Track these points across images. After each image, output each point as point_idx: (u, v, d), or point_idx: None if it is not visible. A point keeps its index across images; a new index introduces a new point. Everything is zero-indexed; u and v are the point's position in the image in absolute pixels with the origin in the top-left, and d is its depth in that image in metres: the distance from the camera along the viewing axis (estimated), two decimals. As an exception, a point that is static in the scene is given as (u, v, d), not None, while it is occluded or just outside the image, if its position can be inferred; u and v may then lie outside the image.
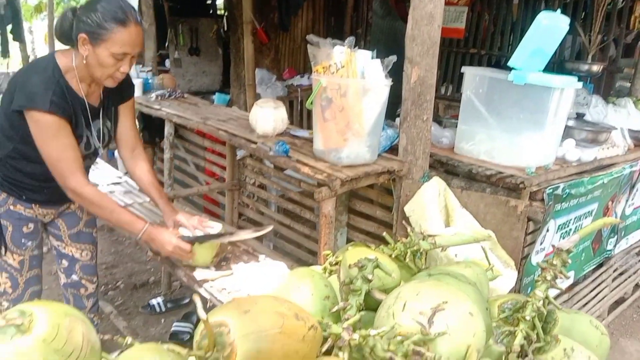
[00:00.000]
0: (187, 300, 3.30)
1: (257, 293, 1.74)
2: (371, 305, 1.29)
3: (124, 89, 2.00)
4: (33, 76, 1.73)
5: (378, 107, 2.15)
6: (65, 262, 2.15)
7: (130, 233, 1.96)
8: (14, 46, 7.50)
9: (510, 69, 2.30)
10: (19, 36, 7.31)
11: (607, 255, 2.99)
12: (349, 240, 2.85)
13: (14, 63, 8.62)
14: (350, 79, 2.09)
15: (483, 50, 5.33)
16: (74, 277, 2.16)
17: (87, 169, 2.01)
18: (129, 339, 0.96)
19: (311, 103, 2.21)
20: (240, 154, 3.51)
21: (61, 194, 1.85)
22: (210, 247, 2.02)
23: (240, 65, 5.48)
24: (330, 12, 6.64)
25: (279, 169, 3.47)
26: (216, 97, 5.73)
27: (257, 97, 5.45)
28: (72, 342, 0.81)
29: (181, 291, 3.45)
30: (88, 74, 1.79)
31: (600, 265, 3.06)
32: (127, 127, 2.08)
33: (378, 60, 2.14)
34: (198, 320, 2.70)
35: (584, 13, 5.01)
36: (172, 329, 2.95)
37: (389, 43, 5.14)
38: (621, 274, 3.38)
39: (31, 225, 1.97)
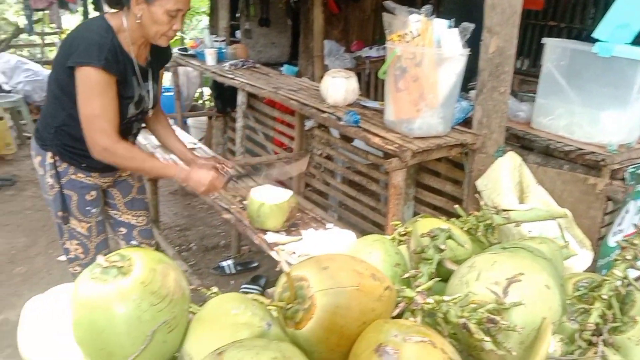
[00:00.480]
0: (255, 264, 3.42)
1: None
2: (441, 276, 1.30)
3: (166, 53, 2.05)
4: (87, 35, 1.76)
5: (453, 77, 2.11)
6: (123, 229, 2.23)
7: (168, 176, 1.99)
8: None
9: (593, 41, 2.19)
10: (99, 6, 7.65)
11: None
12: (416, 214, 2.84)
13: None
14: (425, 47, 2.06)
15: (563, 22, 5.06)
16: (133, 242, 2.24)
17: (136, 131, 2.07)
18: (214, 289, 1.02)
19: (384, 73, 2.20)
20: (308, 124, 3.55)
21: None
22: (280, 212, 2.08)
23: (309, 36, 5.49)
24: (402, -18, 6.49)
25: (346, 140, 3.49)
26: (285, 68, 5.77)
27: (325, 68, 5.46)
28: (166, 286, 0.87)
29: (250, 255, 3.58)
30: (139, 35, 1.82)
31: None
32: (157, 90, 2.10)
33: (455, 30, 2.09)
34: (266, 283, 2.81)
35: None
36: (241, 290, 3.08)
37: (462, 14, 4.97)
38: None
39: (93, 193, 2.02)
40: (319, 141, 3.54)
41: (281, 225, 2.10)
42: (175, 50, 4.34)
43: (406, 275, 1.28)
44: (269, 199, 2.09)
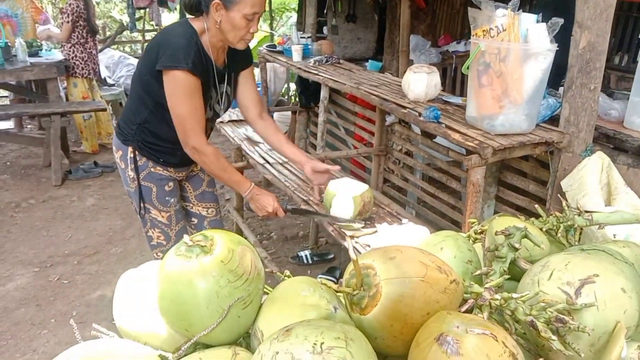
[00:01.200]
0: (331, 256, 3.49)
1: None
2: (515, 276, 1.28)
3: (245, 56, 2.11)
4: (174, 39, 1.84)
5: (540, 73, 2.05)
6: (195, 220, 2.34)
7: (237, 190, 2.09)
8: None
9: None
10: (164, 2, 8.04)
11: None
12: (496, 213, 2.78)
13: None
14: (510, 42, 2.01)
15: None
16: None
17: (209, 132, 2.15)
18: (287, 272, 1.09)
19: (467, 68, 2.17)
20: (389, 120, 3.56)
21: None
22: (352, 203, 2.12)
23: (395, 31, 5.47)
24: (493, -26, 6.28)
25: (427, 136, 3.46)
26: (369, 64, 5.79)
27: (410, 63, 5.42)
28: (243, 266, 0.94)
29: (326, 247, 3.65)
30: (218, 40, 1.90)
31: None
32: (250, 92, 2.18)
33: (543, 24, 2.02)
34: (341, 274, 2.87)
35: None
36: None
37: (557, 7, 4.75)
38: None
39: (171, 184, 2.13)
40: (399, 137, 3.54)
41: (353, 215, 2.14)
42: (263, 47, 4.50)
43: (477, 273, 1.28)
44: (343, 191, 2.14)
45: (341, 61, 3.82)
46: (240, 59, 2.09)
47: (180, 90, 1.83)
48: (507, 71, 2.03)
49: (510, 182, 2.73)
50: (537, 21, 2.06)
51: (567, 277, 1.07)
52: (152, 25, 8.08)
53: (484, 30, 2.08)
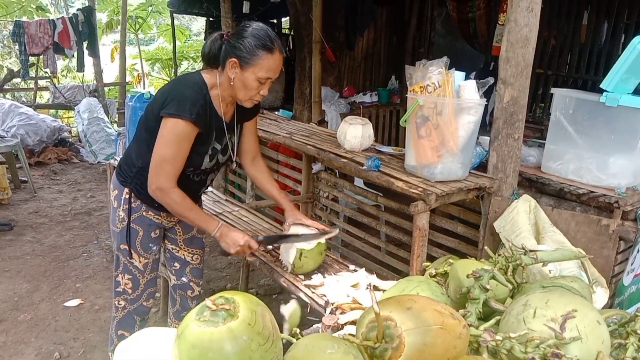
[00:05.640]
0: (265, 308, 3.42)
1: (360, 299, 1.83)
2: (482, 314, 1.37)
3: (254, 108, 2.16)
4: (184, 89, 1.88)
5: (472, 125, 2.23)
6: (177, 265, 2.32)
7: (206, 230, 2.06)
8: (88, 61, 7.97)
9: (597, 91, 2.35)
10: (94, 52, 7.77)
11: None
12: (428, 255, 2.92)
13: (87, 77, 9.11)
14: (446, 97, 2.19)
15: (550, 70, 5.32)
16: (184, 279, 2.33)
17: (210, 182, 2.17)
18: (297, 330, 1.07)
19: (405, 121, 2.31)
20: (315, 168, 3.64)
21: None
22: (315, 259, 2.14)
23: (305, 82, 5.65)
24: (392, 31, 6.77)
25: (350, 181, 3.60)
26: (280, 113, 5.91)
27: (322, 113, 5.61)
28: (267, 327, 0.92)
29: (257, 298, 3.58)
30: (229, 94, 1.94)
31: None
32: (252, 140, 2.25)
33: (473, 81, 2.22)
34: (280, 325, 2.79)
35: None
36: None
37: (450, 62, 5.21)
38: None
39: (157, 231, 2.15)
40: (325, 184, 3.63)
41: (312, 270, 2.15)
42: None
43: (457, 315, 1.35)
44: (306, 244, 2.14)
45: (263, 111, 3.87)
46: (249, 111, 2.13)
47: (174, 135, 1.84)
48: (443, 123, 2.19)
49: (438, 224, 2.90)
50: (465, 78, 2.27)
51: (550, 314, 1.17)
52: (47, 72, 7.65)
53: (420, 87, 2.24)
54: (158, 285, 2.34)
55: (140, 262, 2.13)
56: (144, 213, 2.08)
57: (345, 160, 2.58)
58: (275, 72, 1.88)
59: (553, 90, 2.51)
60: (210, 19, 6.74)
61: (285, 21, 7.40)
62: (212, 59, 1.91)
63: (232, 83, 1.88)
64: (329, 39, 5.69)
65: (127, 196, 2.05)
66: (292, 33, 6.46)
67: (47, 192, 5.75)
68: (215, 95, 1.93)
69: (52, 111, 8.55)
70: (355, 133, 2.67)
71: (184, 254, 2.31)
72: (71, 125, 8.10)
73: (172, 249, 2.30)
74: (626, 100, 2.24)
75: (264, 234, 2.65)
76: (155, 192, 1.92)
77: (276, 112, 5.90)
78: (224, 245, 2.07)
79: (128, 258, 2.11)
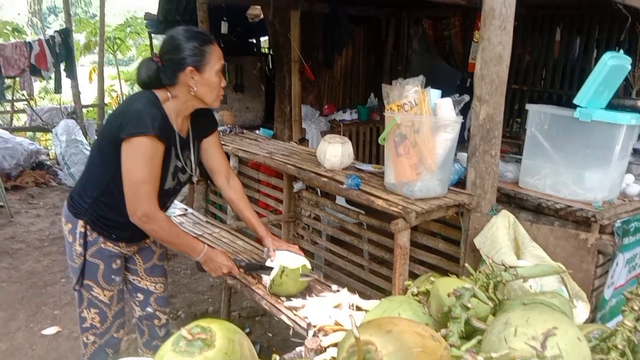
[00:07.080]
0: (247, 330, 3.37)
1: (343, 321, 1.82)
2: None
3: (207, 123, 2.11)
4: (138, 106, 1.81)
5: (449, 142, 2.25)
6: (140, 296, 2.22)
7: (191, 255, 2.04)
8: (65, 83, 7.91)
9: (571, 106, 2.39)
10: (71, 73, 7.72)
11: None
12: (410, 272, 2.92)
13: (65, 99, 9.02)
14: (423, 116, 2.20)
15: (525, 86, 5.42)
16: (149, 309, 2.24)
17: (170, 204, 2.09)
18: (276, 357, 1.05)
19: (384, 139, 2.32)
20: (297, 187, 3.63)
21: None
22: (295, 281, 2.11)
23: (285, 101, 5.67)
24: (370, 49, 6.84)
25: (332, 200, 3.59)
26: (261, 132, 5.91)
27: (303, 131, 5.63)
28: (245, 356, 0.91)
29: (240, 321, 3.53)
30: (190, 105, 1.91)
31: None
32: (217, 157, 2.19)
33: (449, 99, 2.25)
34: (260, 348, 2.78)
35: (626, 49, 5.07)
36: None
37: (427, 80, 5.27)
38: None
39: (118, 262, 2.05)
40: (307, 203, 3.62)
41: (294, 292, 2.12)
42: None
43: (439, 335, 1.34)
44: (278, 259, 2.12)
45: (244, 131, 3.87)
46: (203, 126, 2.08)
47: (141, 154, 1.76)
48: (421, 141, 2.20)
49: (420, 241, 2.90)
50: (441, 96, 2.29)
51: (530, 332, 1.17)
52: (24, 95, 7.56)
53: (397, 105, 2.25)
54: (127, 314, 2.25)
55: (105, 295, 2.02)
56: (102, 245, 1.98)
57: (325, 179, 2.58)
58: (222, 58, 1.89)
59: (528, 106, 2.55)
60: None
61: (264, 41, 7.44)
62: (152, 82, 1.87)
63: (193, 93, 1.85)
64: (307, 58, 5.73)
65: (83, 229, 1.94)
66: (271, 52, 6.51)
67: (25, 217, 5.65)
68: (169, 109, 1.87)
69: (30, 134, 8.45)
70: (335, 152, 2.68)
71: (146, 284, 2.21)
72: (49, 148, 7.99)
73: (134, 279, 2.21)
74: (599, 115, 2.28)
75: (246, 255, 2.62)
76: (140, 219, 1.83)
77: (257, 131, 5.91)
78: (207, 269, 2.05)
79: (91, 292, 2.01)
